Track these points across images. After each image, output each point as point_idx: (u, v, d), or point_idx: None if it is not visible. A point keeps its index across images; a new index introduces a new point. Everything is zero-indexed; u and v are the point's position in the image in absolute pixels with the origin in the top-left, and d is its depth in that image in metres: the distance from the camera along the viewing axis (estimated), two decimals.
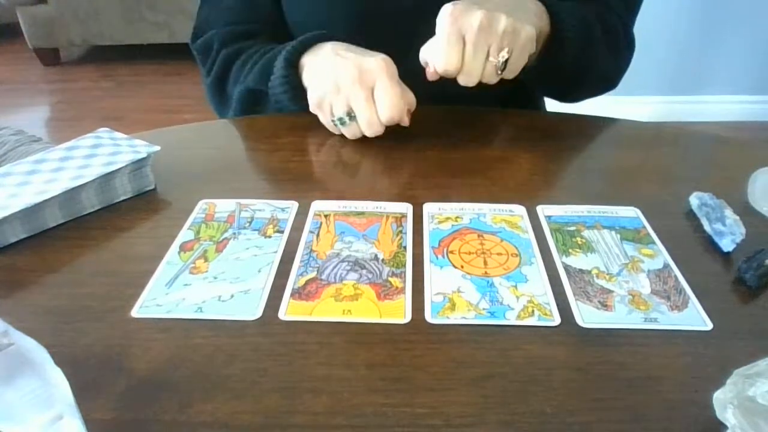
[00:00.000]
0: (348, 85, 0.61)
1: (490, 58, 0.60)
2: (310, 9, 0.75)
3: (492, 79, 0.61)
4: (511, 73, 0.62)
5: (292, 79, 0.66)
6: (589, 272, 0.46)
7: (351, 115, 0.62)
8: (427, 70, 0.62)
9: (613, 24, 0.75)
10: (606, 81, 0.78)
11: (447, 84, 0.70)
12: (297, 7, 0.76)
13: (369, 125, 0.61)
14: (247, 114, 0.75)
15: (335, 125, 0.64)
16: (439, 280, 0.45)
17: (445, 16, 0.60)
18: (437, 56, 0.60)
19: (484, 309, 0.42)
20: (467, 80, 0.60)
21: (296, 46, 0.67)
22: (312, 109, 0.65)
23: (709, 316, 0.42)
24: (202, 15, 0.80)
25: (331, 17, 0.74)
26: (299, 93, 0.67)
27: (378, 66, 0.60)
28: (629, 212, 0.53)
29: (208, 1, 0.80)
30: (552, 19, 0.67)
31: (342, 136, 0.64)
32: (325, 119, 0.64)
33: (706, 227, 0.50)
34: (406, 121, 0.63)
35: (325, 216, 0.53)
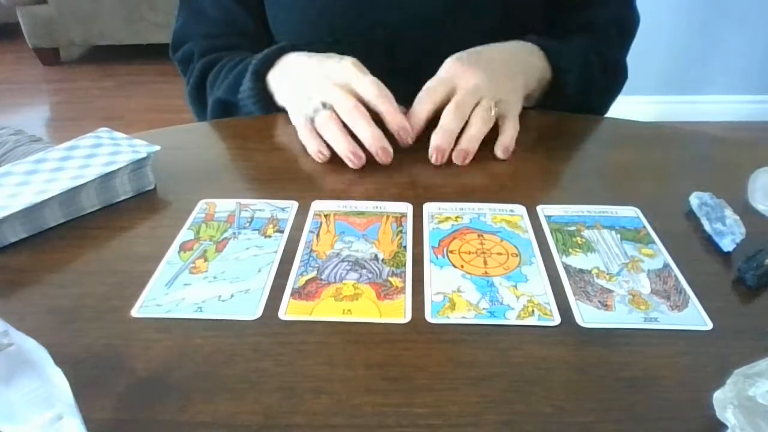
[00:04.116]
0: (321, 91, 0.60)
1: (477, 109, 0.60)
2: (297, 25, 0.75)
3: (480, 127, 0.59)
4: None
5: (260, 92, 0.68)
6: (589, 272, 0.46)
7: (325, 105, 0.59)
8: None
9: (612, 60, 0.78)
10: (596, 112, 0.80)
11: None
12: (282, 22, 0.76)
13: (347, 111, 0.58)
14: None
15: (311, 122, 0.60)
16: (439, 279, 0.45)
17: (443, 69, 0.62)
18: (436, 132, 0.59)
19: (484, 309, 0.42)
20: (442, 138, 0.58)
21: (262, 59, 0.67)
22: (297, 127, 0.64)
23: (709, 316, 0.42)
24: (180, 23, 0.80)
25: (318, 33, 0.73)
26: (268, 104, 0.68)
27: (346, 68, 0.60)
28: (629, 212, 0.53)
29: (186, 9, 0.80)
30: (553, 69, 0.70)
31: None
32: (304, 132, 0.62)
33: (706, 227, 0.50)
34: (395, 117, 0.59)
35: (325, 216, 0.53)
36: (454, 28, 0.72)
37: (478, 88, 0.60)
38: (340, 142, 0.58)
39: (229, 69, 0.72)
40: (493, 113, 0.60)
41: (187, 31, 0.79)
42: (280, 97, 0.67)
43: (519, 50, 0.69)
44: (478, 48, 0.65)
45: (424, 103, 0.61)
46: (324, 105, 0.59)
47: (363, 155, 0.58)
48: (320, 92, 0.60)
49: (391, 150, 0.58)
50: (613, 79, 0.79)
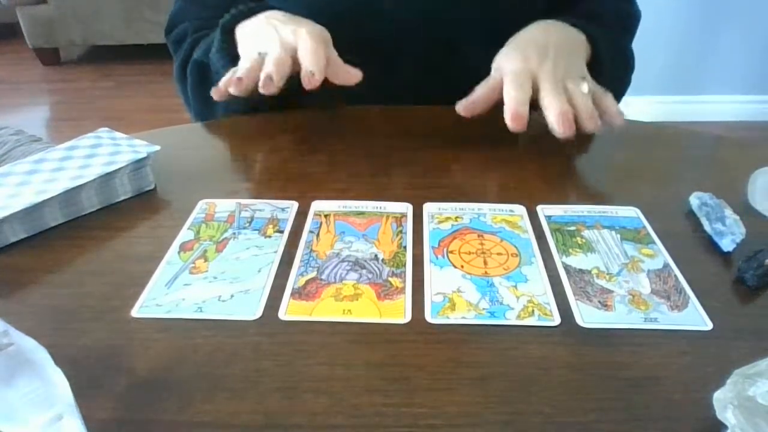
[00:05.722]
0: (264, 45, 0.60)
1: (572, 91, 0.59)
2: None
3: (586, 101, 0.58)
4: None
5: (227, 44, 0.66)
6: (589, 272, 0.46)
7: (260, 54, 0.60)
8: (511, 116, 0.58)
9: (625, 47, 0.77)
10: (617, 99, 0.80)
11: (435, 88, 0.68)
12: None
13: (276, 61, 0.58)
14: (199, 96, 0.74)
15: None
16: (439, 280, 0.45)
17: (510, 64, 0.60)
18: (549, 107, 0.58)
19: (484, 309, 0.42)
20: (560, 105, 0.57)
21: (234, 14, 0.66)
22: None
23: (709, 316, 0.42)
24: (178, 6, 0.79)
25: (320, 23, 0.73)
26: (233, 57, 0.66)
27: (301, 32, 0.60)
28: (629, 212, 0.53)
29: None
30: (593, 50, 0.68)
31: (340, 136, 0.64)
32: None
33: (706, 227, 0.50)
34: (315, 76, 0.58)
35: (325, 216, 0.53)
36: (462, 21, 0.71)
37: (557, 73, 0.59)
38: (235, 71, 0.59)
39: (212, 33, 0.71)
40: (586, 90, 0.59)
41: (185, 13, 0.78)
42: (240, 48, 0.66)
43: (561, 29, 0.67)
44: (525, 36, 0.64)
45: (520, 91, 0.59)
46: (260, 54, 0.60)
47: (244, 83, 0.59)
48: (263, 45, 0.60)
49: (276, 82, 0.58)
50: (624, 65, 0.78)
